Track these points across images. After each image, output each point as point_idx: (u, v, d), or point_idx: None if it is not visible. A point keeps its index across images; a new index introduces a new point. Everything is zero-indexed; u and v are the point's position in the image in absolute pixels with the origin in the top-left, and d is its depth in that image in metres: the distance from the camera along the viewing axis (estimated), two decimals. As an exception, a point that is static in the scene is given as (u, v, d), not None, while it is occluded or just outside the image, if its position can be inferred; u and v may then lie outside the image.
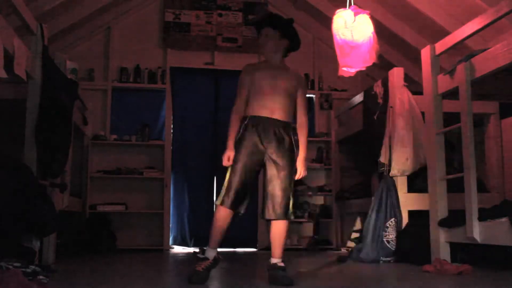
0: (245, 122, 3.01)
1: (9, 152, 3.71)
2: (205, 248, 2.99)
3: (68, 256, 4.54)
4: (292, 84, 3.06)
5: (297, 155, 3.02)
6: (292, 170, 2.99)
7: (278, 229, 2.94)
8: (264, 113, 2.97)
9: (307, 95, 6.56)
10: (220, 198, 2.94)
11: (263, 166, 2.99)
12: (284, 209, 2.91)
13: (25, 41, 3.52)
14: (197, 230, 6.14)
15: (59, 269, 3.45)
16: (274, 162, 2.94)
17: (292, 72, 3.13)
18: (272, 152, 2.95)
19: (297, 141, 3.05)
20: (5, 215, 2.80)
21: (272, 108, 2.98)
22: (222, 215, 2.93)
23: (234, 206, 2.92)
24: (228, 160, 2.96)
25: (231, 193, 2.91)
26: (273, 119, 2.97)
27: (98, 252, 5.26)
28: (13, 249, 2.81)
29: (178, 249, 6.18)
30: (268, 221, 3.03)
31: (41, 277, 2.60)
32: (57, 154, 3.86)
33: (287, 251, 4.82)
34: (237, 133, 3.01)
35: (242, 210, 2.99)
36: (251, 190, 3.02)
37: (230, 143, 2.99)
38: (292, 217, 2.97)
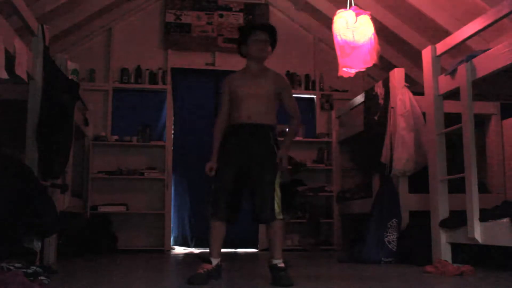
0: (226, 131, 3.09)
1: (10, 152, 3.72)
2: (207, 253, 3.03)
3: (69, 257, 4.54)
4: (270, 87, 3.09)
5: (280, 155, 3.02)
6: (275, 171, 3.00)
7: (273, 230, 2.98)
8: (241, 119, 3.04)
9: (308, 96, 6.66)
10: (211, 211, 2.98)
11: (247, 171, 3.01)
12: (272, 210, 2.94)
13: (26, 42, 3.53)
14: (198, 231, 6.12)
15: (60, 269, 3.45)
16: (257, 166, 2.98)
17: (271, 74, 3.16)
18: (253, 157, 2.99)
19: (277, 142, 3.08)
20: (6, 216, 2.81)
21: (248, 113, 3.02)
22: (216, 227, 2.99)
23: (225, 217, 2.97)
24: (210, 170, 3.00)
25: (221, 204, 2.95)
26: (250, 123, 3.02)
27: (99, 253, 5.26)
28: (14, 250, 2.81)
29: (179, 250, 6.16)
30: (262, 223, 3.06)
31: (42, 277, 2.60)
32: (58, 154, 3.86)
33: (288, 252, 4.84)
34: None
35: (235, 219, 3.03)
36: (241, 198, 3.04)
37: (214, 153, 3.06)
38: (280, 217, 2.98)
